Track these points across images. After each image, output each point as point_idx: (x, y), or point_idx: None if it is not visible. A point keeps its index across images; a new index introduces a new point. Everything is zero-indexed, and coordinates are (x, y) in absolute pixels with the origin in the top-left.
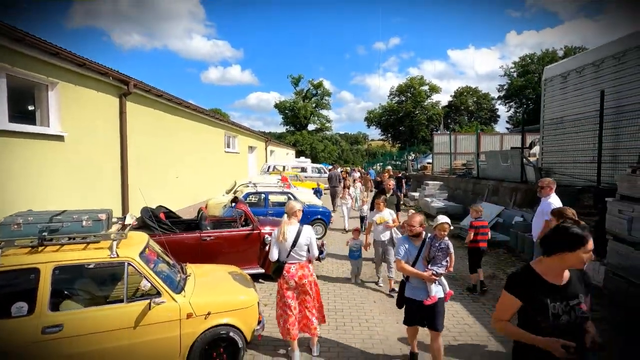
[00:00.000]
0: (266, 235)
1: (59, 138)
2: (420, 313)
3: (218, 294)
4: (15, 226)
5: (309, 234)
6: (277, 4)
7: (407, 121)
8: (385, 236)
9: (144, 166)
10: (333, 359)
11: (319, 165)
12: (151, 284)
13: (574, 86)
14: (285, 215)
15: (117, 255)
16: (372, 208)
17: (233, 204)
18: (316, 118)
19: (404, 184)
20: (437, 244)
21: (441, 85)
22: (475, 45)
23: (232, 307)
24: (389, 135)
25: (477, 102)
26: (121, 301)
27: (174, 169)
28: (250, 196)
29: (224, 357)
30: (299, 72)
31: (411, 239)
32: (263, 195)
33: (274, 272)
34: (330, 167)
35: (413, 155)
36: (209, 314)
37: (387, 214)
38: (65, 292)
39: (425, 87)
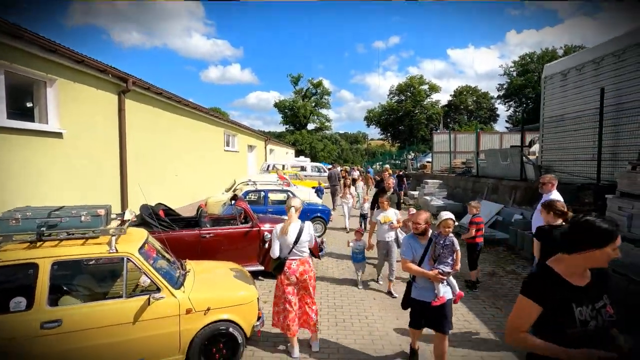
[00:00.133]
0: (266, 233)
1: (58, 135)
2: (427, 315)
3: (217, 290)
4: (14, 221)
5: (310, 230)
6: (277, 3)
7: (406, 120)
8: (390, 236)
9: (143, 164)
10: (333, 355)
11: (318, 164)
12: (150, 279)
13: (574, 84)
14: (292, 209)
15: (116, 251)
16: (372, 207)
17: (233, 202)
18: (316, 117)
19: (405, 182)
20: (441, 241)
21: (441, 84)
22: (474, 44)
23: (232, 302)
24: (389, 134)
25: (476, 102)
26: (120, 297)
27: (173, 167)
28: (250, 194)
29: (223, 353)
30: (298, 71)
31: (417, 237)
32: (262, 193)
33: (275, 268)
34: (329, 166)
35: (412, 154)
36: (208, 309)
37: (391, 214)
38: (64, 288)
39: (425, 86)
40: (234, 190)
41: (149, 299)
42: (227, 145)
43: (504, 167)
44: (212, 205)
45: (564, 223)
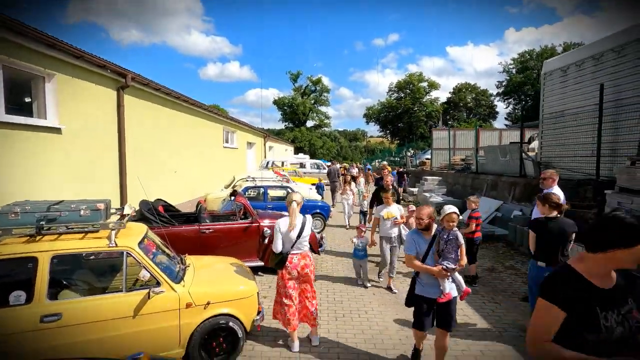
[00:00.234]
0: (265, 228)
1: (57, 130)
2: (432, 312)
3: (217, 284)
4: (13, 215)
5: (311, 224)
6: (276, 0)
7: (405, 117)
8: (393, 232)
9: (142, 159)
10: (332, 349)
11: (317, 162)
12: (150, 273)
13: (574, 80)
14: (294, 203)
15: (116, 245)
16: (372, 204)
17: (232, 198)
18: (315, 114)
19: (405, 178)
20: (445, 236)
21: (440, 81)
22: (473, 41)
23: (232, 297)
24: (388, 131)
25: (475, 99)
26: (120, 291)
27: (172, 163)
28: (249, 190)
29: (223, 347)
30: (297, 69)
31: (421, 233)
32: (262, 190)
33: (277, 263)
34: (329, 163)
35: (412, 151)
36: (208, 303)
37: (395, 209)
38: (64, 282)
39: (424, 84)
40: (233, 187)
41: (148, 293)
42: (226, 141)
43: (503, 163)
44: (212, 201)
45: (559, 215)
